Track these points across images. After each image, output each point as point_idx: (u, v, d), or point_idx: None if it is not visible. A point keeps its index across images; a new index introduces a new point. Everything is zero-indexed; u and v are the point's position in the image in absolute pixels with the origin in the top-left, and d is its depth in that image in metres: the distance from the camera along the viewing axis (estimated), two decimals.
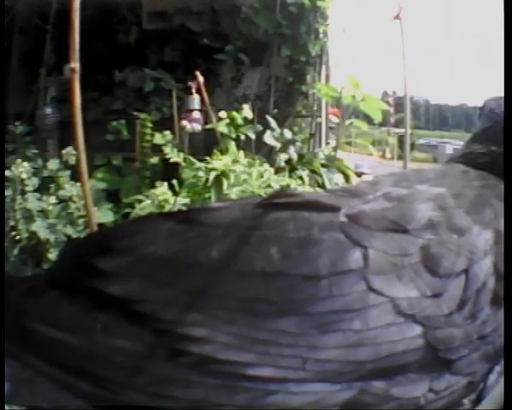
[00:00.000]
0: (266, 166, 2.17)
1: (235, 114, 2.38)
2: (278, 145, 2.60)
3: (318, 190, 2.16)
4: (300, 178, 2.37)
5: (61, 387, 0.34)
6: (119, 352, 0.34)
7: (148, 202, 1.89)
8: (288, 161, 2.59)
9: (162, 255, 0.37)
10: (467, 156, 0.53)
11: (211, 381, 0.33)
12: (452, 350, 0.35)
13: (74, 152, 1.59)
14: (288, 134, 2.67)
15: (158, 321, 0.34)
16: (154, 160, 2.53)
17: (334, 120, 3.14)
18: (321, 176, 2.53)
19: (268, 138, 2.59)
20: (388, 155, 8.99)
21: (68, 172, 2.27)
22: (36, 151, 2.48)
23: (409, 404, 0.34)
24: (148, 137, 2.50)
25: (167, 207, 1.84)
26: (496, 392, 0.44)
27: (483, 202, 0.42)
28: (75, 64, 1.28)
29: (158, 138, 2.41)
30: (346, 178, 2.77)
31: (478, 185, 0.45)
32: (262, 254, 0.35)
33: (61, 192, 2.22)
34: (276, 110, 2.99)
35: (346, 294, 0.34)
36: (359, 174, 3.22)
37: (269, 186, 1.97)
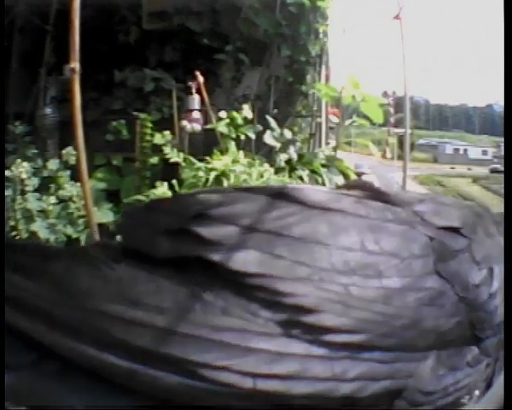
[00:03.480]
0: (266, 166, 2.18)
1: (235, 114, 2.38)
2: (278, 145, 2.60)
3: None
4: (300, 178, 2.37)
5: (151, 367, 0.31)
6: (225, 332, 0.33)
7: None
8: (288, 161, 2.59)
9: (272, 228, 0.37)
10: None
11: (323, 352, 0.34)
12: (483, 330, 0.41)
13: (74, 152, 1.59)
14: (287, 134, 2.67)
15: (275, 294, 0.34)
16: (154, 160, 2.53)
17: (334, 120, 3.14)
18: (321, 176, 2.53)
19: (268, 138, 2.59)
20: (389, 154, 9.00)
21: (68, 172, 2.27)
22: (36, 151, 2.48)
23: (452, 375, 0.40)
24: (148, 137, 2.50)
25: None
26: (496, 392, 0.45)
27: (498, 219, 0.51)
28: (75, 64, 1.28)
29: (158, 138, 2.41)
30: (346, 178, 2.77)
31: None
32: (359, 233, 0.39)
33: (61, 192, 2.22)
34: (276, 110, 2.99)
35: (420, 274, 0.39)
36: (359, 174, 3.22)
37: None
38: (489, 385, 0.44)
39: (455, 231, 0.43)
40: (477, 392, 0.43)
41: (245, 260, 0.34)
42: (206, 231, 0.35)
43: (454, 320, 0.39)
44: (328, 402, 0.34)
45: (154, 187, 2.01)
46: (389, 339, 0.36)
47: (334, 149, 2.82)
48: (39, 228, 2.08)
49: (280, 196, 0.39)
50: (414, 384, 0.37)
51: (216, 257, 0.34)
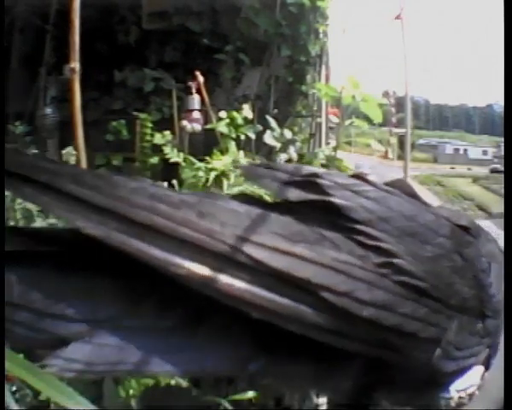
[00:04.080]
0: None
1: (235, 114, 2.37)
2: (278, 145, 2.60)
3: None
4: None
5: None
6: (339, 262, 0.41)
7: None
8: (288, 161, 2.59)
9: (370, 196, 0.47)
10: None
11: (399, 290, 0.43)
12: (488, 308, 0.49)
13: (74, 152, 1.59)
14: (288, 134, 2.66)
15: (374, 239, 0.43)
16: (154, 160, 2.53)
17: (334, 120, 3.13)
18: None
19: (268, 138, 2.59)
20: (390, 154, 9.00)
21: None
22: (36, 151, 2.48)
23: (469, 340, 0.48)
24: (148, 137, 2.50)
25: None
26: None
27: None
28: (75, 64, 1.28)
29: (158, 138, 2.41)
30: None
31: None
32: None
33: None
34: (276, 110, 2.99)
35: (445, 250, 0.48)
36: None
37: None
38: (487, 367, 0.51)
39: (466, 230, 0.52)
40: (472, 389, 0.49)
41: (355, 210, 0.44)
42: (327, 185, 0.45)
43: (471, 292, 0.48)
44: (397, 340, 0.42)
45: None
46: (438, 291, 0.45)
47: (334, 149, 2.81)
48: None
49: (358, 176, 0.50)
50: (448, 338, 0.45)
51: (337, 202, 0.44)
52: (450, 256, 0.48)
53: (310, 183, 0.46)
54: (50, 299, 0.34)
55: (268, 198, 0.56)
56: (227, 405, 1.01)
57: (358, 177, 0.49)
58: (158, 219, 0.36)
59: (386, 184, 0.54)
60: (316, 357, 0.42)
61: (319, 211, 0.44)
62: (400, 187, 0.53)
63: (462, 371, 0.48)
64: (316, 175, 0.46)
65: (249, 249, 0.38)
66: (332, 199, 0.44)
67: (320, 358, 0.42)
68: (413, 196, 0.52)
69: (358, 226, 0.43)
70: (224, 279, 0.37)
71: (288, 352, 0.41)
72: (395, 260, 0.43)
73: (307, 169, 0.49)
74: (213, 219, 0.38)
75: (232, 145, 2.28)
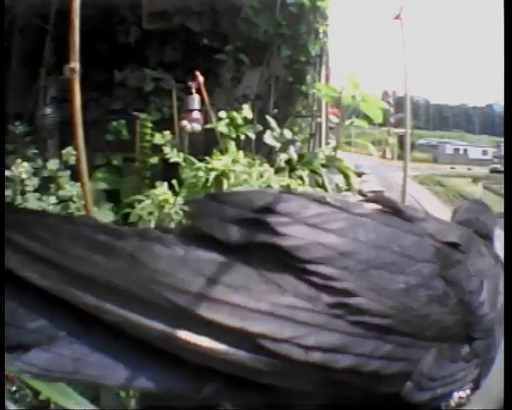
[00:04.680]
0: (266, 166, 2.17)
1: (235, 114, 2.38)
2: (278, 145, 2.60)
3: (318, 189, 2.16)
4: (300, 178, 2.37)
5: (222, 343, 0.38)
6: (281, 307, 0.39)
7: (148, 202, 1.89)
8: (288, 161, 2.59)
9: (333, 228, 0.44)
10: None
11: (356, 330, 0.41)
12: (475, 331, 0.48)
13: (74, 152, 1.59)
14: (287, 134, 2.67)
15: (326, 279, 0.41)
16: (154, 160, 2.53)
17: (334, 120, 3.13)
18: (321, 176, 2.53)
19: (268, 138, 2.59)
20: (388, 155, 8.99)
21: (68, 172, 2.27)
22: (36, 151, 2.48)
23: (450, 368, 0.46)
24: (148, 137, 2.50)
25: (167, 207, 1.84)
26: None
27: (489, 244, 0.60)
28: (75, 64, 1.28)
29: (158, 138, 2.41)
30: (346, 178, 2.77)
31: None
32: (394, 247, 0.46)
33: (61, 192, 2.22)
34: (276, 110, 2.99)
35: (426, 276, 0.46)
36: (359, 174, 3.22)
37: (269, 186, 1.97)
38: (476, 386, 0.49)
39: (454, 246, 0.50)
40: (468, 391, 0.49)
41: (306, 249, 0.42)
42: (277, 222, 0.42)
43: (454, 318, 0.46)
44: (354, 379, 0.40)
45: (154, 187, 2.01)
46: (407, 326, 0.43)
47: (334, 149, 2.82)
48: None
49: (319, 200, 0.47)
50: (421, 369, 0.43)
51: (285, 243, 0.41)
52: (430, 283, 0.45)
53: (258, 221, 0.42)
54: (14, 313, 0.38)
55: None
56: (228, 405, 1.01)
57: (328, 203, 0.46)
58: (93, 269, 0.38)
59: (366, 200, 0.52)
60: (273, 387, 0.40)
61: (267, 252, 0.41)
62: (382, 203, 0.50)
63: (440, 399, 0.46)
64: (268, 209, 0.43)
65: (179, 298, 0.38)
66: (279, 241, 0.41)
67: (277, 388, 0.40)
68: (396, 211, 0.49)
69: (310, 266, 0.41)
70: (155, 325, 0.38)
71: (244, 378, 0.40)
72: (351, 300, 0.41)
73: (262, 200, 0.44)
74: (145, 269, 0.39)
75: (232, 145, 2.28)
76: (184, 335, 0.37)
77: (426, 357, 0.43)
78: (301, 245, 0.42)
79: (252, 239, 0.41)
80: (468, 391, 0.49)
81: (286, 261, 0.41)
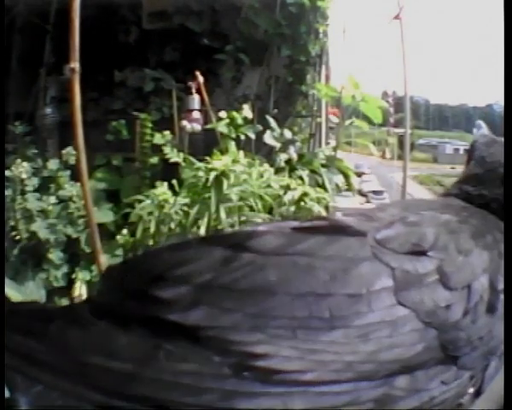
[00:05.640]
0: (266, 166, 2.17)
1: (235, 114, 2.38)
2: (278, 145, 2.60)
3: (318, 189, 2.16)
4: (300, 178, 2.37)
5: None
6: (186, 375, 0.37)
7: (148, 202, 1.89)
8: (288, 161, 2.59)
9: (221, 283, 0.40)
10: (462, 195, 0.60)
11: (273, 390, 0.37)
12: (458, 349, 0.43)
13: (74, 152, 1.59)
14: (287, 134, 2.67)
15: (226, 343, 0.38)
16: (154, 160, 2.53)
17: (334, 120, 3.14)
18: (321, 176, 2.53)
19: (268, 138, 2.59)
20: (388, 155, 8.99)
21: (68, 172, 2.27)
22: (36, 151, 2.48)
23: (426, 395, 0.41)
24: (148, 137, 2.50)
25: (167, 207, 1.84)
26: (496, 392, 0.45)
27: (485, 230, 0.51)
28: (75, 64, 1.28)
29: (158, 138, 2.41)
30: (346, 178, 2.77)
31: (479, 217, 0.53)
32: (312, 277, 0.41)
33: (61, 192, 2.22)
34: (276, 110, 2.99)
35: (380, 308, 0.40)
36: (359, 174, 3.22)
37: (269, 186, 1.97)
38: (478, 392, 0.45)
39: (422, 253, 0.44)
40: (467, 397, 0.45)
41: (196, 317, 0.38)
42: (163, 293, 0.39)
43: (420, 346, 0.41)
44: None
45: (154, 187, 2.01)
46: (345, 374, 0.38)
47: (334, 149, 2.82)
48: (39, 228, 2.09)
49: (236, 246, 0.42)
50: (384, 406, 0.39)
51: (172, 317, 0.38)
52: (380, 317, 0.40)
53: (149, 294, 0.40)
54: None
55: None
56: None
57: (242, 246, 0.42)
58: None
59: (309, 220, 0.47)
60: None
61: (161, 323, 0.39)
62: (323, 224, 0.46)
63: None
64: (160, 278, 0.40)
65: (98, 375, 0.38)
66: (161, 314, 0.38)
67: None
68: (340, 228, 0.45)
69: (201, 333, 0.38)
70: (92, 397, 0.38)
71: None
72: (254, 363, 0.37)
73: (154, 270, 0.42)
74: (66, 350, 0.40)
75: (232, 145, 2.28)
76: (99, 398, 0.37)
77: (388, 392, 0.39)
78: (189, 313, 0.38)
79: (143, 312, 0.39)
80: (467, 397, 0.45)
81: (179, 330, 0.38)
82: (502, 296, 0.46)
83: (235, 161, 1.94)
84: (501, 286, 0.46)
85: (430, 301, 0.42)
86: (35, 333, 0.40)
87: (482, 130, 0.70)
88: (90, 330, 0.39)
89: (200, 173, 1.85)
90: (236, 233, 0.52)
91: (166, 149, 2.21)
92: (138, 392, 0.36)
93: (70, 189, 2.19)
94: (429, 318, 0.41)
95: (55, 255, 2.12)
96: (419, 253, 0.44)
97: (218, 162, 1.84)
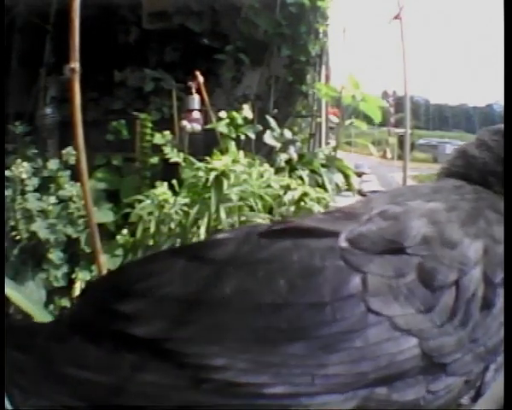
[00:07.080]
0: (266, 166, 2.17)
1: (235, 114, 2.38)
2: (278, 145, 2.60)
3: (318, 189, 2.16)
4: (300, 178, 2.37)
5: None
6: (147, 385, 0.37)
7: (148, 202, 1.89)
8: (288, 161, 2.59)
9: (179, 296, 0.40)
10: (458, 172, 0.55)
11: (232, 402, 0.36)
12: (446, 355, 0.38)
13: (74, 152, 1.59)
14: (287, 134, 2.67)
15: (182, 356, 0.38)
16: (154, 160, 2.53)
17: (334, 120, 3.14)
18: (321, 176, 2.53)
19: (268, 138, 2.59)
20: (389, 155, 8.99)
21: (68, 172, 2.27)
22: (36, 151, 2.48)
23: (409, 405, 0.38)
24: (148, 137, 2.50)
25: (167, 207, 1.84)
26: (496, 392, 0.44)
27: (476, 214, 0.45)
28: (75, 64, 1.28)
29: (158, 138, 2.41)
30: (346, 178, 2.77)
31: (471, 198, 0.48)
32: (270, 287, 0.39)
33: (61, 192, 2.22)
34: (276, 110, 2.99)
35: (348, 317, 0.37)
36: (359, 174, 3.22)
37: (269, 186, 1.97)
38: (478, 394, 0.41)
39: (400, 250, 0.40)
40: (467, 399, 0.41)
41: (154, 330, 0.38)
42: (125, 307, 0.40)
43: (397, 356, 0.37)
44: None
45: (154, 187, 2.01)
46: (311, 387, 0.36)
47: (334, 149, 2.82)
48: (39, 228, 2.08)
49: (195, 257, 0.42)
50: None
51: (133, 330, 0.39)
52: (347, 327, 0.37)
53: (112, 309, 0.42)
54: None
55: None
56: None
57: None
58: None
59: (274, 224, 0.47)
60: None
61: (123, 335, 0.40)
62: (287, 224, 0.45)
63: None
64: (125, 293, 0.41)
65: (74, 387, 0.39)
66: (122, 328, 0.39)
67: None
68: (308, 232, 0.42)
69: (161, 345, 0.38)
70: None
71: None
72: (211, 376, 0.37)
73: (120, 285, 0.43)
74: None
75: (232, 145, 2.28)
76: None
77: (368, 400, 0.37)
78: (149, 327, 0.39)
79: (109, 327, 0.40)
80: (467, 399, 0.41)
81: (141, 343, 0.39)
82: (501, 289, 0.40)
83: (235, 161, 1.94)
84: (499, 278, 0.41)
85: (407, 307, 0.38)
86: (22, 347, 0.42)
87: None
88: (67, 343, 0.41)
89: (200, 173, 1.85)
90: (198, 244, 0.53)
91: (166, 149, 2.21)
92: (106, 399, 0.38)
93: (70, 189, 2.19)
94: (407, 325, 0.38)
95: (55, 255, 2.12)
96: (396, 251, 0.40)
97: (218, 162, 1.84)
